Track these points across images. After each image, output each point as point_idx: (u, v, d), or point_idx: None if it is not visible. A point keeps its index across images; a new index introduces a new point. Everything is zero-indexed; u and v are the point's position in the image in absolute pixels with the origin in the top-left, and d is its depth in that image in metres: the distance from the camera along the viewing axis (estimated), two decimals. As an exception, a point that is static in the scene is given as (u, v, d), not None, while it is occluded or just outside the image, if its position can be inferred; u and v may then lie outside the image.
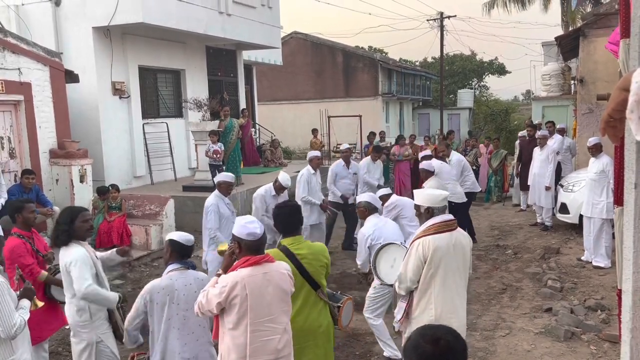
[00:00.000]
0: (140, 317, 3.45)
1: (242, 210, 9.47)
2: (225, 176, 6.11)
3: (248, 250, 3.10)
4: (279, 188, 6.74)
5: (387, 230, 5.01)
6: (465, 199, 8.41)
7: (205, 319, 3.38)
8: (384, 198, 6.13)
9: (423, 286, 3.64)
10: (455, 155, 9.13)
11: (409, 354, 1.83)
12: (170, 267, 3.50)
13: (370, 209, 5.22)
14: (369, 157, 9.34)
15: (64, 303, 4.14)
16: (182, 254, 3.53)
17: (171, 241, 3.53)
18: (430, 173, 7.42)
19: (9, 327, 3.14)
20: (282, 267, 3.21)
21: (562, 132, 11.25)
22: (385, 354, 4.99)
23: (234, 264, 3.14)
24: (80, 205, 5.76)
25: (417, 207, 3.79)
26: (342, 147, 8.90)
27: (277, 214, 3.82)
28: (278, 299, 3.10)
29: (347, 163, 8.53)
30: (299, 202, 7.57)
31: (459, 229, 3.76)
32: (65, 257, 3.71)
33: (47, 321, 4.29)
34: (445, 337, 1.80)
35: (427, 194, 3.74)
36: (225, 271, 3.16)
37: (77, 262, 3.65)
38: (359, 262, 5.16)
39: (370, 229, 4.99)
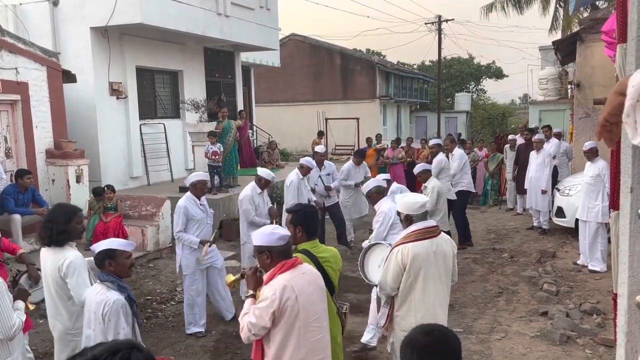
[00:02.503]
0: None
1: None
2: (198, 175, 5.89)
3: (281, 256, 3.05)
4: (265, 184, 6.46)
5: None
6: (454, 197, 8.46)
7: None
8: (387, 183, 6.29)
9: (403, 293, 3.67)
10: (458, 151, 9.31)
11: (404, 350, 1.87)
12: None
13: (381, 192, 5.47)
14: (350, 161, 9.24)
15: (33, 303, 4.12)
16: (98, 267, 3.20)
17: None
18: (429, 173, 7.53)
19: (9, 327, 3.13)
20: (313, 267, 3.24)
21: (559, 136, 11.29)
22: (363, 339, 5.13)
23: (268, 274, 3.04)
24: (74, 205, 5.68)
25: (398, 213, 3.83)
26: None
27: (301, 215, 3.66)
28: (319, 298, 3.13)
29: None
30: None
31: (441, 235, 3.74)
32: (59, 259, 3.54)
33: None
34: (438, 329, 1.90)
35: (405, 202, 3.74)
36: (256, 290, 3.09)
37: (76, 267, 3.51)
38: (373, 239, 5.16)
39: (392, 209, 5.08)
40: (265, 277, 3.08)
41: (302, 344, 2.98)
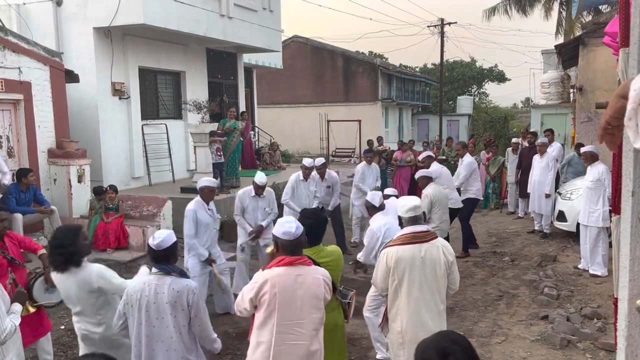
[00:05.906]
0: (122, 318, 3.34)
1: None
2: (207, 181, 5.86)
3: (284, 250, 3.09)
4: (256, 188, 6.57)
5: (395, 230, 4.92)
6: (460, 205, 8.27)
7: (178, 330, 3.23)
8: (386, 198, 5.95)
9: (391, 296, 3.70)
10: (467, 158, 8.95)
11: None
12: (152, 270, 3.32)
13: (372, 207, 5.26)
14: (364, 162, 9.46)
15: (47, 307, 4.09)
16: (155, 259, 3.28)
17: (148, 245, 3.35)
18: (429, 179, 7.25)
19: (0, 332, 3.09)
20: (319, 272, 3.14)
21: (556, 139, 11.28)
22: (378, 356, 4.98)
23: (270, 262, 3.14)
24: (73, 224, 5.60)
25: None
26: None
27: (304, 223, 3.61)
28: (309, 305, 3.04)
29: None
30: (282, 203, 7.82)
31: (435, 241, 3.70)
32: (86, 275, 3.49)
33: (31, 326, 4.12)
34: (455, 354, 1.73)
35: (398, 204, 3.84)
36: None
37: (106, 270, 3.58)
38: (362, 257, 5.10)
39: (381, 228, 4.97)
40: None
41: (276, 342, 2.97)
